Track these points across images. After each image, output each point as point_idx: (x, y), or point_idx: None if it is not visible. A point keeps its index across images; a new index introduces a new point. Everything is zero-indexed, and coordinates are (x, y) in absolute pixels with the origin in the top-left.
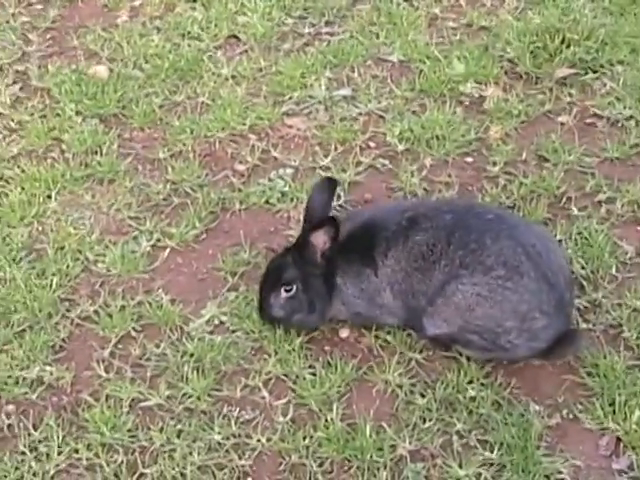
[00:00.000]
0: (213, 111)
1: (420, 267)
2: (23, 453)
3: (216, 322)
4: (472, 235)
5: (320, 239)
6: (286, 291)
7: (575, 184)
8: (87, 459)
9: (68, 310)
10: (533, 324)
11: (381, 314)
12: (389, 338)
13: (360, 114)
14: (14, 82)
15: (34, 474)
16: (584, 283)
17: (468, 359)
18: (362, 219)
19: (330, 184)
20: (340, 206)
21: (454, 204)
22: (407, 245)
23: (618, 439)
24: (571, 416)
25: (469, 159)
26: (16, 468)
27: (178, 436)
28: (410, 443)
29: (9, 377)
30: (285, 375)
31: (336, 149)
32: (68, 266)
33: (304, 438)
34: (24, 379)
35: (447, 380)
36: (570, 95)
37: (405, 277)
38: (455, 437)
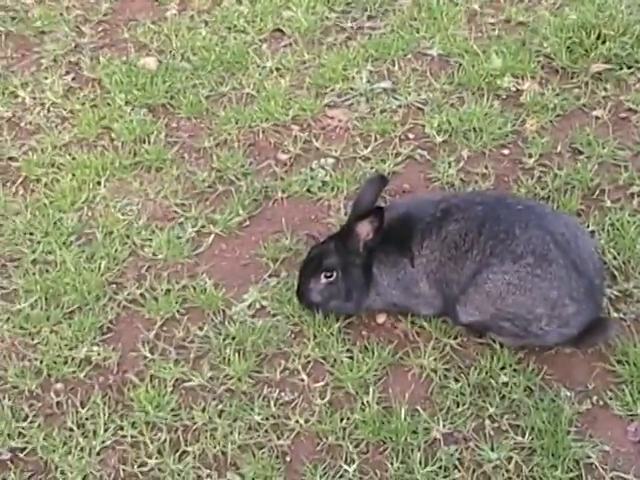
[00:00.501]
0: (257, 102)
1: (453, 256)
2: (71, 429)
3: (257, 306)
4: (502, 225)
5: (365, 229)
6: (326, 277)
7: (608, 177)
8: (132, 436)
9: (115, 293)
10: (563, 311)
11: (417, 304)
12: (425, 324)
13: (400, 106)
14: (67, 72)
15: (81, 449)
16: (616, 273)
17: (501, 346)
18: (398, 211)
19: (381, 181)
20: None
21: (486, 196)
22: (440, 235)
23: None
24: (601, 402)
25: (505, 151)
26: (64, 443)
27: (219, 416)
28: (444, 426)
29: (58, 356)
30: (323, 358)
31: (376, 140)
32: (116, 250)
33: (341, 420)
34: (72, 359)
35: (480, 366)
36: (605, 90)
37: (439, 266)
38: (487, 421)
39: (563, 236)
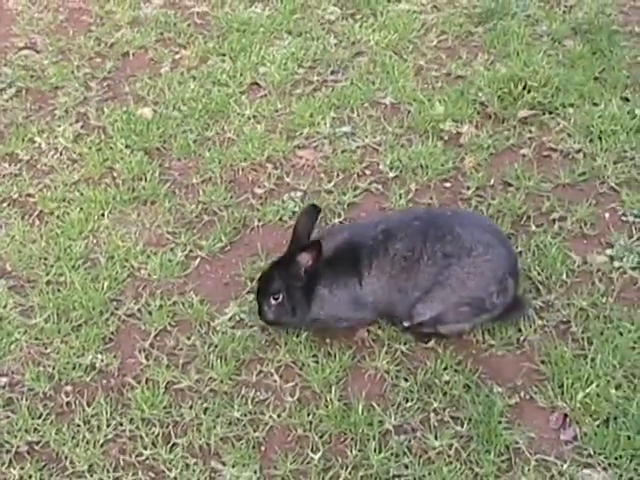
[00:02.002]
0: (237, 145)
1: (404, 268)
2: (78, 425)
3: (237, 319)
4: (444, 230)
5: (305, 258)
6: (275, 299)
7: (534, 205)
8: (130, 431)
9: (116, 308)
10: (506, 283)
11: (360, 312)
12: (379, 332)
13: (358, 147)
14: (76, 121)
15: (87, 442)
16: (540, 287)
17: (444, 349)
18: (343, 236)
19: (315, 210)
20: (341, 222)
21: (416, 212)
22: (389, 254)
23: (565, 415)
24: (527, 396)
25: (447, 184)
26: (73, 437)
27: (204, 413)
28: (395, 419)
29: (67, 363)
30: (293, 362)
31: (338, 176)
32: (117, 272)
33: (308, 415)
34: (80, 365)
35: (426, 367)
36: (530, 132)
37: (390, 279)
38: (432, 414)
39: (491, 226)
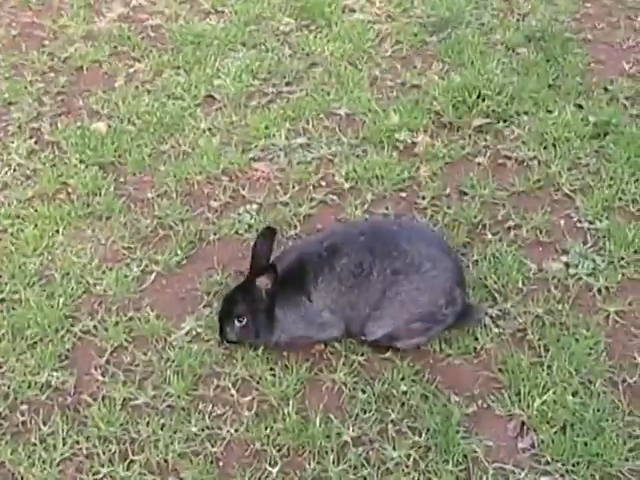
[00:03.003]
0: (192, 158)
1: (355, 284)
2: (34, 444)
3: (194, 333)
4: (390, 245)
5: (264, 281)
6: (239, 322)
7: (489, 213)
8: (86, 449)
9: (72, 325)
10: (454, 294)
11: (322, 332)
12: (336, 345)
13: (313, 158)
14: (30, 137)
15: (43, 462)
16: (496, 295)
17: (402, 359)
18: (290, 257)
19: (271, 232)
20: (296, 234)
21: (361, 226)
22: (335, 270)
23: (523, 423)
24: (485, 405)
25: (403, 194)
26: (29, 457)
27: (162, 429)
28: (353, 431)
29: (23, 382)
30: (250, 377)
31: (294, 187)
32: (72, 289)
33: (266, 428)
34: (35, 383)
35: (384, 378)
36: (485, 140)
37: (340, 295)
38: (390, 425)
39: (436, 238)
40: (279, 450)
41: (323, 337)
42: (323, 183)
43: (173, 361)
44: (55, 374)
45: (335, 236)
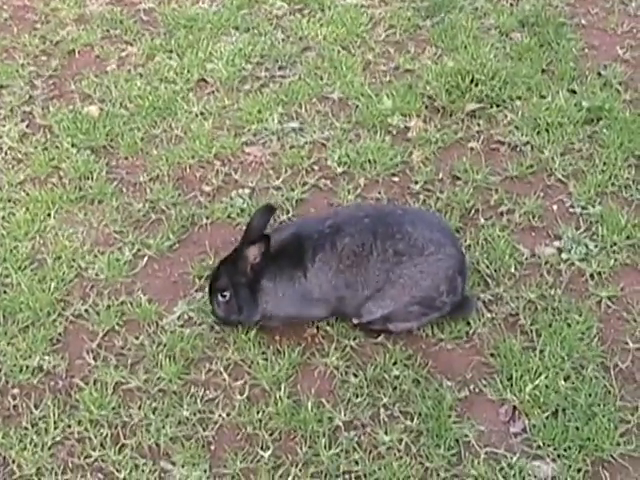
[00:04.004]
0: (185, 142)
1: (354, 262)
2: (26, 428)
3: (185, 317)
4: (394, 228)
5: (253, 253)
6: (222, 297)
7: (482, 198)
8: (78, 433)
9: (64, 309)
10: (456, 282)
11: (312, 309)
12: (328, 328)
13: (306, 143)
14: (22, 120)
15: (35, 445)
16: (488, 280)
17: (394, 344)
18: (288, 232)
19: (270, 210)
20: (289, 219)
21: (366, 209)
22: (336, 248)
23: (514, 408)
24: (477, 390)
25: (396, 179)
26: (20, 440)
27: (153, 413)
28: (345, 415)
29: (14, 366)
30: (242, 361)
31: (286, 172)
32: (64, 273)
33: (257, 413)
34: (27, 367)
35: (376, 362)
36: (478, 125)
37: (338, 273)
38: (382, 409)
39: (440, 224)
40: (271, 434)
41: (309, 315)
42: (316, 167)
43: (165, 345)
44: (47, 358)
45: (339, 217)
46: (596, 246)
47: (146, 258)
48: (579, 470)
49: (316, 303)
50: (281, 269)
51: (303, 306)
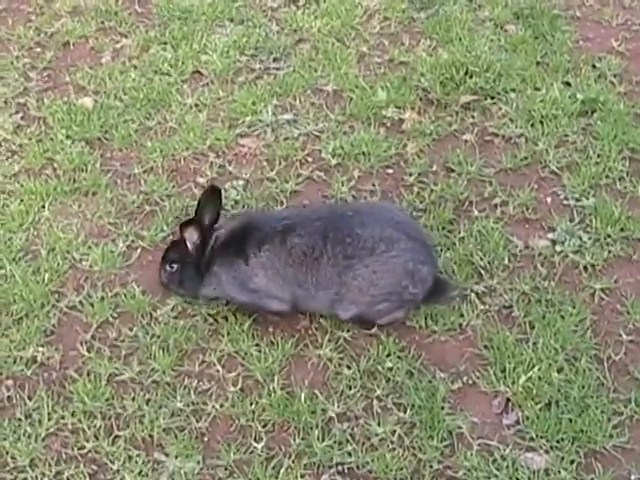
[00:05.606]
0: (179, 134)
1: (303, 262)
2: (19, 420)
3: (179, 309)
4: (344, 231)
5: (190, 234)
6: (170, 267)
7: (476, 190)
8: (72, 424)
9: (57, 301)
10: (420, 273)
11: (260, 298)
12: (322, 321)
13: (300, 134)
14: (16, 112)
15: (28, 437)
16: (482, 272)
17: (387, 335)
18: (243, 221)
19: (214, 191)
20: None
21: (320, 212)
22: (285, 244)
23: (507, 399)
24: (470, 382)
25: (390, 171)
26: (14, 432)
27: (147, 404)
28: (338, 407)
29: (8, 357)
30: (236, 352)
31: (280, 164)
32: (58, 264)
33: (251, 404)
34: (21, 358)
35: (369, 354)
36: (473, 117)
37: (285, 268)
38: (375, 401)
39: (393, 219)
40: (264, 426)
41: (263, 306)
42: (310, 159)
43: (159, 337)
44: (40, 349)
45: (294, 217)
46: (590, 238)
47: (140, 250)
48: (572, 462)
49: (262, 294)
50: (226, 255)
51: (240, 291)
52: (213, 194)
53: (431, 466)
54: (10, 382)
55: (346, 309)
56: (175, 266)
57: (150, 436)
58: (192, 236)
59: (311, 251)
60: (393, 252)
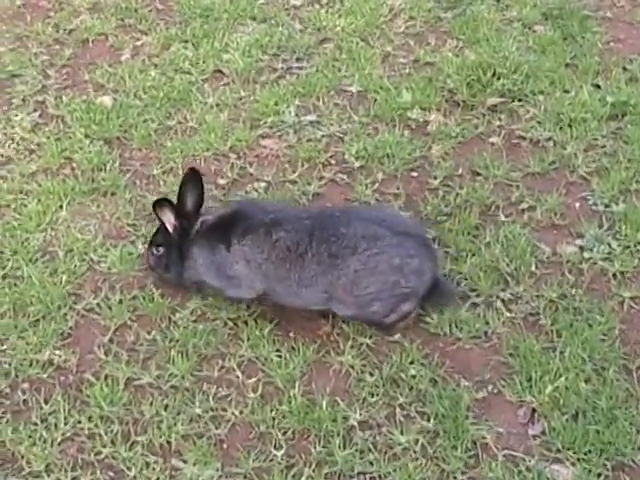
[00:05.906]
0: (200, 134)
1: (287, 257)
2: (35, 424)
3: (199, 312)
4: (329, 231)
5: (165, 217)
6: (156, 250)
7: (502, 195)
8: (88, 429)
9: (75, 303)
10: (410, 267)
11: (232, 286)
12: (344, 326)
13: (323, 136)
14: (34, 110)
15: (44, 441)
16: (508, 279)
17: (411, 342)
18: (232, 209)
19: (193, 174)
20: None
21: (310, 212)
22: (270, 237)
23: (533, 409)
24: (495, 390)
25: (414, 174)
26: (29, 436)
27: (165, 409)
28: (360, 415)
29: (24, 360)
30: (256, 357)
31: (302, 166)
32: (75, 266)
33: (271, 411)
34: (37, 361)
35: (392, 361)
36: (499, 120)
37: (268, 262)
38: (398, 409)
39: (379, 217)
40: (284, 433)
41: (234, 294)
42: (333, 161)
43: (177, 341)
44: (57, 352)
45: (284, 213)
46: (619, 245)
47: None
48: (599, 475)
49: (237, 282)
50: (209, 239)
51: (224, 281)
52: (193, 177)
53: (455, 477)
54: (26, 385)
55: (338, 309)
56: (161, 249)
57: (168, 442)
58: (167, 216)
59: (295, 247)
60: (375, 249)
